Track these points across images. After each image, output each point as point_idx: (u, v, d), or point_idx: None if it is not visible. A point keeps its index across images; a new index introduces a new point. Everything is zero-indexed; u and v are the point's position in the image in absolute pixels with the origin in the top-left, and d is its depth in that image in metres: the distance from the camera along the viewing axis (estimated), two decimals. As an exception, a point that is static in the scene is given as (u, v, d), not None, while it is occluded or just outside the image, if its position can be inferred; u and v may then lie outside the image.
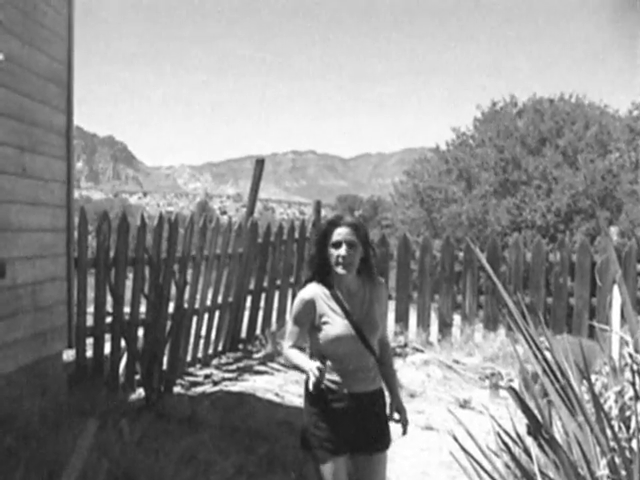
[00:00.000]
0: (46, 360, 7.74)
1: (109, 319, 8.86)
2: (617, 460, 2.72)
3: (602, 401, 2.88)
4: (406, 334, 12.89)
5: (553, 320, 12.83)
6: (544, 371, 3.07)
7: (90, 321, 8.72)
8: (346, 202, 77.78)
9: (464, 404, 9.44)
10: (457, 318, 13.42)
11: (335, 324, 4.44)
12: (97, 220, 8.91)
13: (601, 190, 19.78)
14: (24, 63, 7.34)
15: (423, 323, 13.28)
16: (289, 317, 4.67)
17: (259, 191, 12.17)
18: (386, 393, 4.76)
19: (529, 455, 3.07)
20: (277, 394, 9.36)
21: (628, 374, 2.84)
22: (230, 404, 8.63)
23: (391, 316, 12.02)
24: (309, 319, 4.52)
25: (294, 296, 12.44)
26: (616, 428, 2.79)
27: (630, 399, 2.80)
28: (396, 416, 4.74)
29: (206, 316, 10.75)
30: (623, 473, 2.69)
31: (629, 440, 2.75)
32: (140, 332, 9.07)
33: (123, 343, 8.90)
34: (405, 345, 12.33)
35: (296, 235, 12.84)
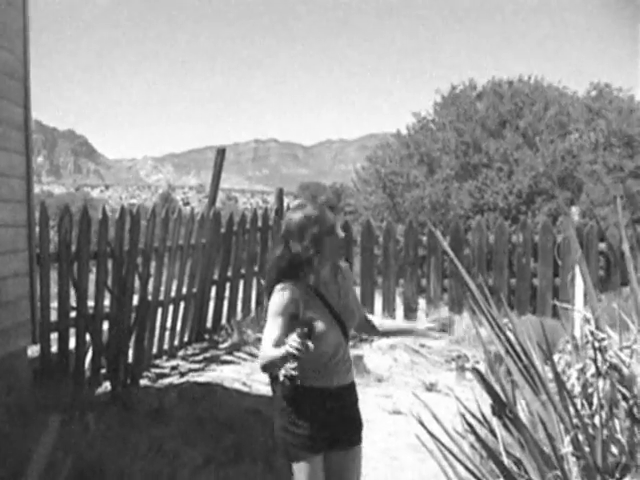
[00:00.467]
0: (10, 356, 7.69)
1: (73, 313, 8.81)
2: (580, 437, 2.75)
3: (565, 379, 2.90)
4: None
5: (517, 301, 12.92)
6: (507, 352, 3.09)
7: (54, 316, 8.67)
8: (309, 189, 77.68)
9: (431, 387, 9.48)
10: (422, 302, 13.47)
11: (320, 319, 4.20)
12: (59, 215, 8.85)
13: (561, 171, 19.90)
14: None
15: (388, 308, 13.32)
16: (269, 315, 4.25)
17: (221, 181, 12.14)
18: (358, 391, 4.58)
19: (495, 435, 3.09)
20: (244, 383, 9.36)
21: (590, 351, 2.85)
22: (197, 395, 8.62)
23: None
24: (292, 312, 4.19)
25: (259, 285, 12.43)
26: (579, 405, 2.81)
27: (592, 376, 2.82)
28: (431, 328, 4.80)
29: (171, 307, 10.72)
30: (587, 449, 2.71)
31: (592, 417, 2.77)
32: (105, 326, 9.03)
33: (88, 337, 8.86)
34: (371, 330, 12.35)
35: (259, 224, 12.82)
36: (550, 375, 2.90)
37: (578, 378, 2.86)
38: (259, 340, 4.43)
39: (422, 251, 13.53)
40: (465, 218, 19.13)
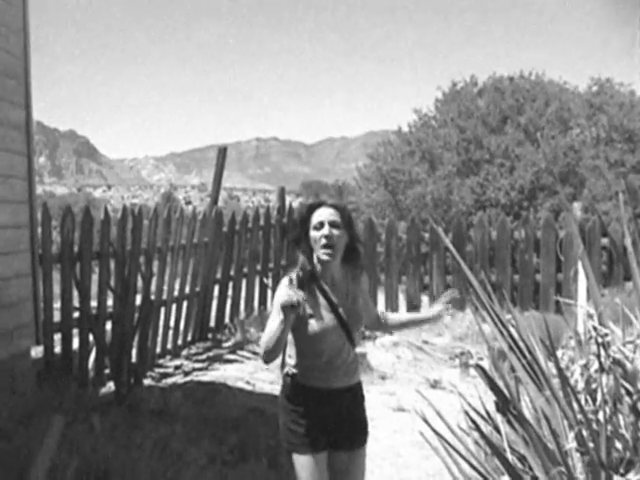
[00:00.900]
0: (14, 357, 7.69)
1: (76, 314, 8.81)
2: (584, 432, 2.75)
3: (569, 375, 2.90)
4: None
5: (520, 297, 12.93)
6: (510, 348, 3.09)
7: (57, 316, 8.68)
8: (311, 188, 77.71)
9: (435, 384, 9.49)
10: (425, 299, 13.48)
11: (321, 317, 4.18)
12: (61, 215, 8.86)
13: (563, 166, 19.89)
14: (-21, 59, 7.28)
15: (391, 305, 13.34)
16: (272, 310, 4.21)
17: (223, 180, 12.14)
18: (365, 386, 4.59)
19: (499, 432, 3.09)
20: (248, 382, 9.36)
21: (593, 347, 2.85)
22: (201, 394, 8.62)
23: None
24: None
25: (262, 283, 12.45)
26: (582, 401, 2.81)
27: (595, 372, 2.81)
28: (441, 307, 4.70)
29: (174, 307, 10.72)
30: (591, 445, 2.71)
31: (595, 412, 2.77)
32: (108, 326, 9.03)
33: (91, 337, 8.87)
34: (374, 328, 12.35)
35: (261, 222, 12.83)
36: (554, 371, 2.90)
37: (582, 374, 2.85)
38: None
39: (424, 248, 13.54)
40: (467, 214, 19.13)
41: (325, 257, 4.15)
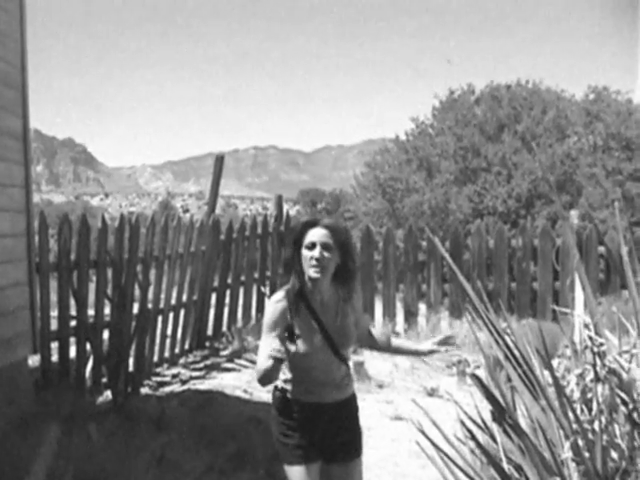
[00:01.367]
0: (11, 367, 7.68)
1: (73, 322, 8.81)
2: (580, 442, 2.75)
3: (564, 384, 2.90)
4: (372, 325, 12.92)
5: (517, 305, 12.93)
6: (506, 357, 3.09)
7: (54, 325, 8.67)
8: (308, 196, 77.77)
9: (432, 392, 9.49)
10: (423, 307, 13.48)
11: (307, 337, 4.18)
12: (58, 224, 8.85)
13: (560, 174, 19.93)
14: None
15: (389, 313, 13.33)
16: (263, 329, 4.28)
17: (220, 188, 12.15)
18: (358, 399, 4.57)
19: (495, 441, 3.09)
20: (245, 390, 9.35)
21: (589, 356, 2.86)
22: (199, 403, 8.62)
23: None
24: (283, 326, 4.17)
25: (259, 292, 12.43)
26: (578, 411, 2.81)
27: (591, 381, 2.82)
28: (436, 347, 4.60)
29: (171, 315, 10.71)
30: (586, 455, 2.71)
31: (591, 422, 2.77)
32: (105, 334, 9.03)
33: (88, 346, 8.87)
34: (372, 336, 12.35)
35: (259, 230, 12.83)
36: (549, 380, 2.90)
37: (577, 383, 2.86)
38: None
39: (422, 256, 13.53)
40: (464, 222, 19.17)
41: (314, 275, 4.15)
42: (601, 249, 12.74)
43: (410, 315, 13.24)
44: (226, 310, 12.26)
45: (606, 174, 19.55)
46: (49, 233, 8.89)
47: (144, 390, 9.14)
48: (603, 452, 2.71)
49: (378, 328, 12.95)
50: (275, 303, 4.24)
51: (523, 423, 3.05)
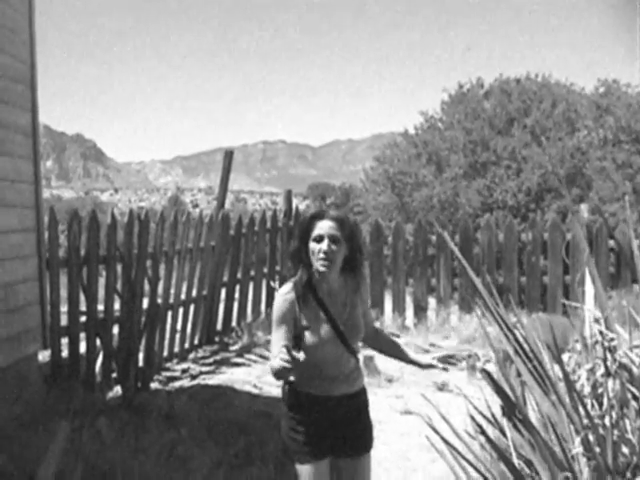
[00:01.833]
0: (21, 362, 7.70)
1: (83, 318, 8.82)
2: (591, 437, 2.74)
3: (575, 379, 2.89)
4: (382, 319, 12.91)
5: (527, 299, 12.90)
6: (516, 352, 3.08)
7: (64, 321, 8.68)
8: (318, 190, 77.72)
9: (442, 387, 9.47)
10: (432, 301, 13.46)
11: (316, 329, 4.16)
12: (68, 219, 8.86)
13: (570, 168, 19.88)
14: (-15, 64, 7.29)
15: (398, 308, 13.32)
16: (272, 323, 4.26)
17: (230, 183, 12.15)
18: (368, 392, 4.53)
19: (505, 436, 3.08)
20: (255, 385, 9.36)
21: (600, 351, 2.84)
22: (208, 397, 8.62)
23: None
24: (292, 319, 4.17)
25: (268, 286, 12.44)
26: (589, 406, 2.80)
27: (602, 376, 2.80)
28: (435, 362, 4.43)
29: (181, 310, 10.72)
30: (597, 450, 2.70)
31: (602, 417, 2.76)
32: (115, 330, 9.04)
33: (98, 341, 8.88)
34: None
35: (268, 225, 12.83)
36: (560, 375, 2.89)
37: (588, 378, 2.84)
38: (269, 342, 4.41)
39: (432, 250, 13.51)
40: (474, 216, 19.13)
41: (322, 268, 4.13)
42: (611, 243, 12.70)
43: (420, 309, 13.23)
44: (236, 305, 12.27)
45: (616, 168, 19.48)
46: (59, 229, 8.90)
47: (154, 385, 9.15)
48: (614, 447, 2.70)
49: (387, 322, 12.95)
50: (283, 296, 4.23)
51: (533, 418, 3.04)
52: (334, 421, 4.26)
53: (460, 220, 14.45)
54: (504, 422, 3.12)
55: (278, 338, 4.17)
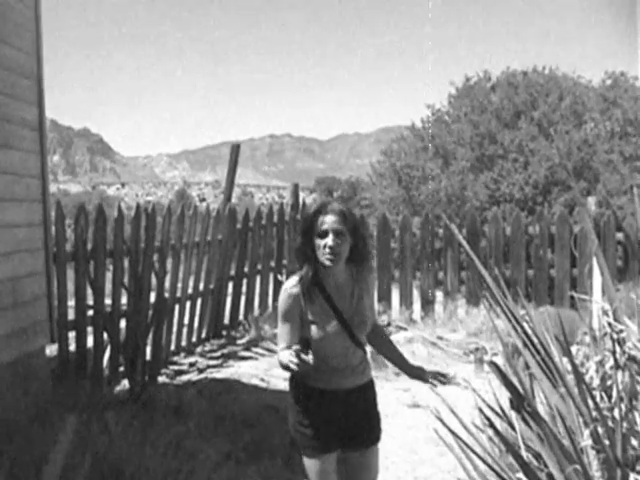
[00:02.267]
0: (29, 356, 7.70)
1: (90, 312, 8.83)
2: (600, 430, 2.73)
3: (584, 371, 2.88)
4: (389, 313, 12.92)
5: (535, 292, 12.89)
6: (524, 344, 3.07)
7: (72, 315, 8.68)
8: (324, 184, 77.67)
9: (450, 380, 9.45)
10: (439, 295, 13.46)
11: (322, 323, 4.17)
12: (75, 213, 8.86)
13: (577, 161, 19.83)
14: (-8, 58, 7.28)
15: (406, 301, 13.32)
16: (278, 317, 4.31)
17: (237, 177, 12.15)
18: (376, 385, 4.53)
19: (513, 428, 3.07)
20: (262, 379, 9.36)
21: (608, 343, 2.83)
22: (216, 391, 8.63)
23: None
24: (298, 313, 4.20)
25: (276, 280, 12.45)
26: (598, 398, 2.79)
27: (611, 368, 2.79)
28: (426, 376, 4.45)
29: (188, 304, 10.73)
30: (606, 442, 2.69)
31: (611, 409, 2.75)
32: (122, 324, 9.05)
33: (106, 335, 8.88)
34: (388, 324, 12.35)
35: (275, 219, 12.83)
36: (568, 367, 2.88)
37: (597, 370, 2.83)
38: (276, 336, 4.41)
39: (439, 243, 13.50)
40: (481, 210, 19.09)
41: (328, 263, 4.14)
42: (619, 235, 12.67)
43: (427, 303, 13.23)
44: (243, 299, 12.27)
45: (623, 160, 19.43)
46: (66, 223, 8.90)
47: (161, 379, 9.16)
48: (623, 440, 2.69)
49: (395, 316, 12.95)
50: (288, 290, 4.25)
51: (542, 410, 3.04)
52: (342, 414, 4.26)
53: (467, 213, 14.43)
54: (512, 415, 3.12)
55: (284, 332, 4.21)
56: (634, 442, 2.74)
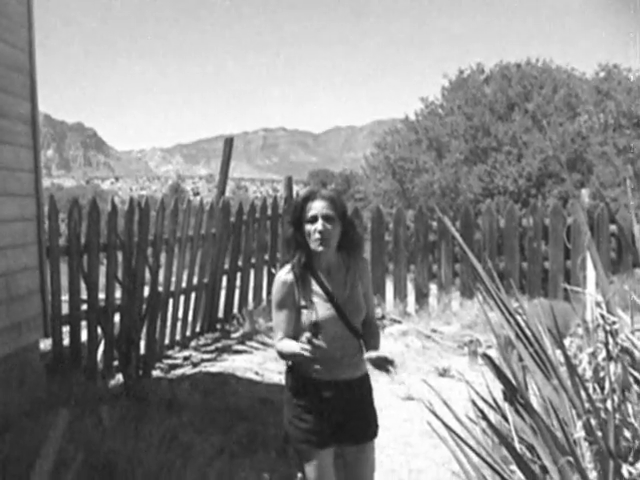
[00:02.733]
0: (23, 350, 7.69)
1: (84, 306, 8.82)
2: (593, 421, 2.73)
3: (576, 363, 2.88)
4: (383, 306, 12.92)
5: (529, 284, 12.91)
6: (517, 336, 3.07)
7: (65, 309, 8.68)
8: (318, 177, 77.62)
9: (444, 373, 9.48)
10: (434, 287, 13.47)
11: (317, 308, 4.15)
12: (68, 208, 8.85)
13: (571, 153, 19.85)
14: (-16, 52, 7.27)
15: (400, 294, 13.32)
16: (272, 306, 4.30)
17: (230, 170, 12.14)
18: (370, 378, 4.51)
19: (507, 421, 3.08)
20: (257, 372, 9.36)
21: (601, 335, 2.83)
22: (210, 385, 8.63)
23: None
24: (292, 302, 4.20)
25: (270, 273, 12.45)
26: (590, 390, 2.79)
27: (603, 360, 2.80)
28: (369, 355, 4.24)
29: (182, 298, 10.72)
30: (599, 434, 2.69)
31: (604, 401, 2.75)
32: (116, 318, 9.04)
33: (99, 329, 8.88)
34: (383, 317, 12.36)
35: (269, 212, 12.83)
36: (561, 359, 2.88)
37: (589, 362, 2.83)
38: (271, 329, 4.42)
39: (433, 236, 13.51)
40: (475, 202, 19.12)
41: (319, 248, 4.15)
42: (613, 228, 12.68)
43: (421, 295, 13.24)
44: (237, 292, 12.27)
45: (617, 152, 19.46)
46: (59, 217, 8.89)
47: (155, 373, 9.16)
48: (616, 431, 2.69)
49: (389, 309, 12.95)
50: (281, 278, 4.25)
51: (535, 403, 3.04)
52: (339, 407, 4.23)
53: (461, 206, 14.45)
54: (506, 407, 3.12)
55: (280, 321, 4.21)
56: (627, 434, 2.75)
